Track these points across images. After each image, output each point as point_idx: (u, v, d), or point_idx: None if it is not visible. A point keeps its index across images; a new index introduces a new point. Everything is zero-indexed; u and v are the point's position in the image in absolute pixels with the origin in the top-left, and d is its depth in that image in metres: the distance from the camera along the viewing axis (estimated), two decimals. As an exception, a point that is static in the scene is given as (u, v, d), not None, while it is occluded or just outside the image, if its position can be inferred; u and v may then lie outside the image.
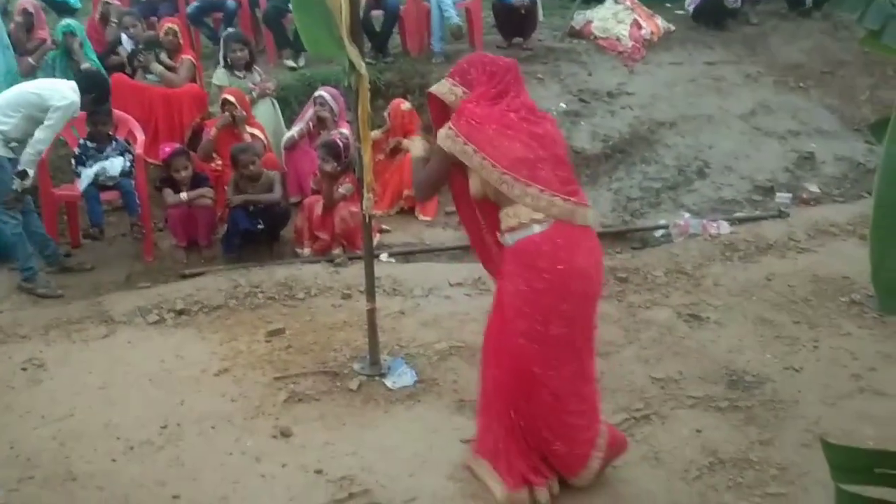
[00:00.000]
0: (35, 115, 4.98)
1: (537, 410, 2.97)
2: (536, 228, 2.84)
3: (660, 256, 5.44)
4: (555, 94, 7.51)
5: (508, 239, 2.95)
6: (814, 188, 6.70)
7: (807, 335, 4.42)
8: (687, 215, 6.11)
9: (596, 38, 8.39)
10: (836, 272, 5.11)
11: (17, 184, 4.94)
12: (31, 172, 4.98)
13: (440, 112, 3.16)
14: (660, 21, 8.70)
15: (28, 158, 4.95)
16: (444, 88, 3.09)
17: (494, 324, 3.07)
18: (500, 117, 2.92)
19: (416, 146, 3.38)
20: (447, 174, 3.16)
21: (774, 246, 5.54)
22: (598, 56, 8.19)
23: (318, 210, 5.77)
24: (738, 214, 6.26)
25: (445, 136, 2.98)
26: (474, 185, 3.03)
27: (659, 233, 6.03)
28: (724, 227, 5.79)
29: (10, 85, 5.96)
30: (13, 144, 5.02)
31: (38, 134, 4.95)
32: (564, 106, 7.36)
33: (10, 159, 5.00)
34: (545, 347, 2.88)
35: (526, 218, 2.86)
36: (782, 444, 3.45)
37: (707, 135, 7.27)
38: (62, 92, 5.03)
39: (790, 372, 4.04)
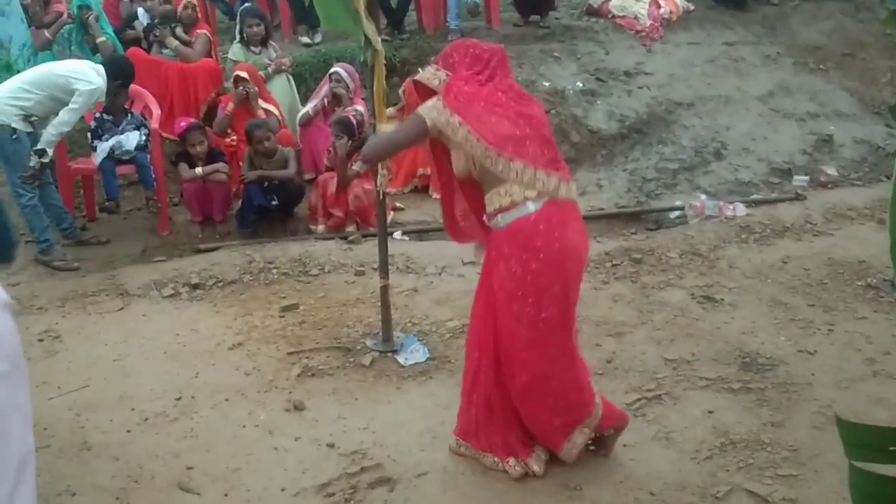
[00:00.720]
0: (59, 97, 5.00)
1: (520, 391, 2.98)
2: (531, 207, 2.81)
3: (675, 238, 5.41)
4: (571, 72, 7.45)
5: (500, 220, 2.89)
6: (832, 171, 6.63)
7: (821, 318, 4.39)
8: (703, 197, 6.07)
9: (614, 16, 8.31)
10: (852, 256, 5.08)
11: (34, 161, 4.97)
12: (49, 152, 5.01)
13: (426, 98, 3.07)
14: (679, 0, 8.60)
15: (48, 138, 4.98)
16: (429, 73, 3.08)
17: (479, 307, 3.06)
18: (489, 95, 2.89)
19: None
20: (409, 144, 3.25)
21: (791, 229, 5.50)
22: (615, 35, 8.11)
23: (332, 187, 5.77)
24: (754, 196, 6.22)
25: (432, 107, 2.90)
26: (458, 164, 3.01)
27: (674, 214, 6.00)
28: (741, 209, 5.75)
29: (27, 58, 5.99)
30: (34, 118, 5.04)
31: (62, 116, 4.97)
32: (581, 85, 7.30)
33: (28, 133, 5.02)
34: (534, 331, 2.87)
35: (520, 196, 2.81)
36: (794, 426, 3.44)
37: (725, 116, 7.21)
38: (88, 76, 5.03)
39: (804, 355, 4.02)
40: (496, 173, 2.84)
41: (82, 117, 5.30)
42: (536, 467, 3.08)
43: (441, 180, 3.37)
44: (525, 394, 2.99)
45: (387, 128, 3.37)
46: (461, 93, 2.88)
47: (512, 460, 3.09)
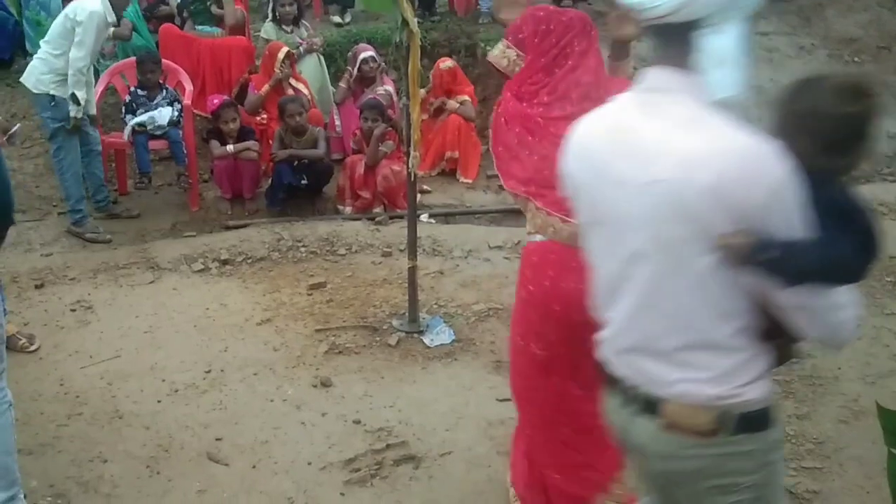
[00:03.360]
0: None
1: (531, 427, 2.70)
2: (537, 238, 2.53)
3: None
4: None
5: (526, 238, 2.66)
6: (863, 165, 6.55)
7: (849, 313, 4.35)
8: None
9: (647, 3, 8.22)
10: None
11: (73, 109, 5.00)
12: (80, 94, 4.99)
13: (505, 77, 2.72)
14: (713, -12, 8.49)
15: (72, 80, 4.98)
16: (497, 52, 2.66)
17: None
18: (525, 120, 2.50)
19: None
20: None
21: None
22: (648, 22, 8.03)
23: (361, 169, 5.80)
24: (784, 189, 6.15)
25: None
26: None
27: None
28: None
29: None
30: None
31: (73, 54, 4.96)
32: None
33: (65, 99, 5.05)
34: (524, 360, 2.60)
35: (531, 227, 2.55)
36: (819, 419, 3.43)
37: (757, 107, 7.12)
38: (83, 5, 4.99)
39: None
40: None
41: (116, 91, 5.33)
42: None
43: None
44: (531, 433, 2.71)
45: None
46: (506, 111, 2.58)
47: None
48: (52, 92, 4.99)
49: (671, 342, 1.64)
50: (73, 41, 4.97)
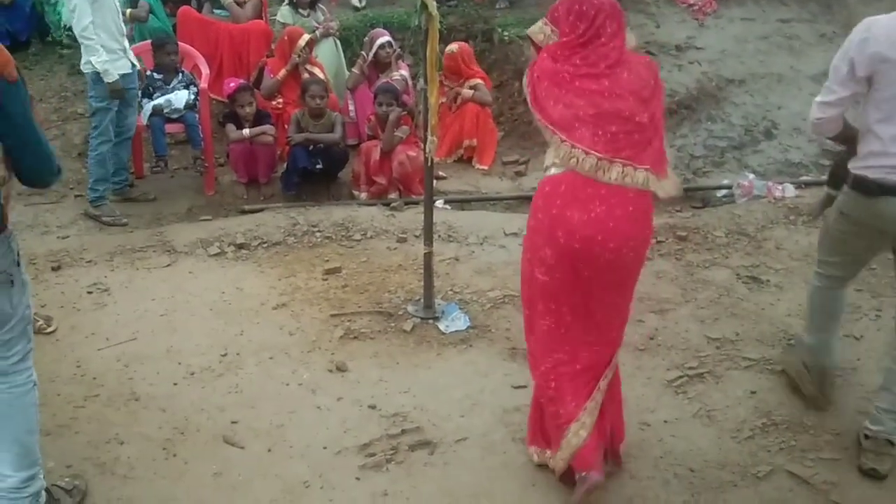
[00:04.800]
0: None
1: (531, 351, 2.95)
2: (552, 171, 2.79)
3: (721, 216, 5.34)
4: (620, 45, 7.33)
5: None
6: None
7: (869, 304, 4.32)
8: (751, 176, 5.97)
9: (666, -12, 8.15)
10: (903, 242, 4.96)
11: (107, 78, 5.00)
12: (93, 60, 4.96)
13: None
14: (734, -26, 8.40)
15: (83, 49, 4.99)
16: (537, 28, 2.91)
17: None
18: (554, 75, 2.73)
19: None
20: None
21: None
22: (666, 7, 7.96)
23: (376, 155, 5.78)
24: (804, 178, 6.10)
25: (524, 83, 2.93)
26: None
27: (721, 193, 5.91)
28: (790, 191, 5.65)
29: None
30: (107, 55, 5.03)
31: (74, 22, 5.00)
32: (630, 58, 7.18)
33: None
34: (531, 288, 2.85)
35: (549, 161, 2.82)
36: (838, 410, 3.40)
37: (777, 95, 7.06)
38: None
39: (850, 339, 3.96)
40: (548, 140, 2.83)
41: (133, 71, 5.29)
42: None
43: None
44: (532, 349, 2.95)
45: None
46: (539, 68, 2.79)
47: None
48: (96, 69, 4.97)
49: None
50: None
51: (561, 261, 2.71)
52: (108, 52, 5.00)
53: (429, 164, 3.95)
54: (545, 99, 2.74)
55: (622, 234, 2.66)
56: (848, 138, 3.22)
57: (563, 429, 2.79)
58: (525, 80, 2.88)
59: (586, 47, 2.70)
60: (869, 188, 3.01)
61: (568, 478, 2.84)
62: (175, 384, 3.51)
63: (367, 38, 6.57)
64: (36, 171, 2.37)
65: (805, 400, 3.43)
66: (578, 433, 2.76)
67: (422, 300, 4.16)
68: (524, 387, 3.37)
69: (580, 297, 2.76)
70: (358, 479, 2.94)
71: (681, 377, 3.61)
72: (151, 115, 5.61)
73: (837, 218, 3.23)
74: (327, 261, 4.69)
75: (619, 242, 2.66)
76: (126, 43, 5.21)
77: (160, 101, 5.64)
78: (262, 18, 6.92)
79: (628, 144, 2.66)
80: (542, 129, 2.79)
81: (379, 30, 6.60)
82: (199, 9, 6.81)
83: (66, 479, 2.80)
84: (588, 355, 2.82)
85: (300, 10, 6.70)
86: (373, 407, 3.35)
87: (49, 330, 3.89)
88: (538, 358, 2.88)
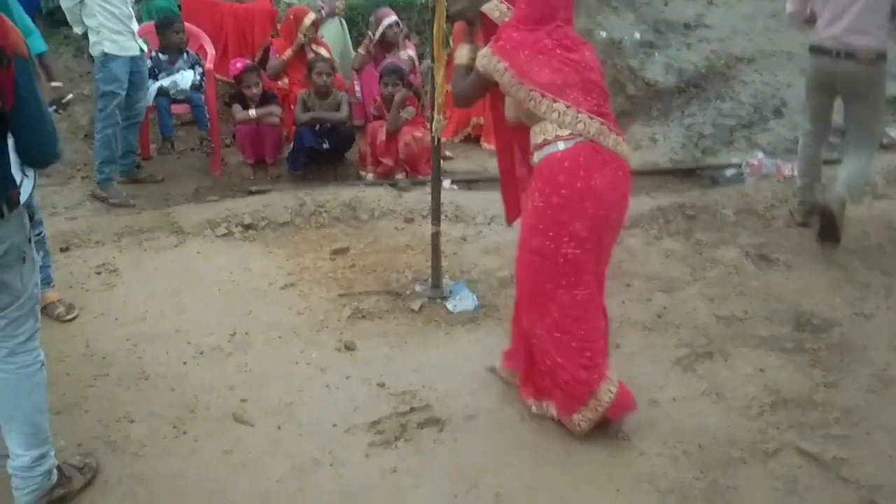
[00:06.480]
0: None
1: (548, 330, 2.97)
2: (561, 146, 2.83)
3: (730, 195, 5.31)
4: (629, 23, 7.28)
5: (536, 158, 2.94)
6: (894, 133, 6.41)
7: (879, 281, 4.30)
8: (761, 155, 5.93)
9: (675, -34, 8.06)
10: (913, 220, 4.95)
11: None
12: (76, 30, 5.05)
13: (491, 31, 3.13)
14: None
15: (90, 33, 5.04)
16: (492, 4, 3.08)
17: (518, 245, 3.10)
18: (534, 43, 2.88)
19: (461, 53, 3.28)
20: (484, 91, 3.18)
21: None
22: (675, -14, 7.88)
23: (382, 135, 5.76)
24: (813, 157, 6.04)
25: (482, 56, 3.00)
26: (508, 109, 3.10)
27: (730, 172, 5.86)
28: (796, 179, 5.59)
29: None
30: (115, 36, 5.03)
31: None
32: (639, 36, 7.13)
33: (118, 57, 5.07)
34: (555, 266, 2.88)
35: (552, 134, 2.84)
36: (847, 387, 3.39)
37: (786, 73, 6.98)
38: None
39: (860, 318, 3.95)
40: (538, 114, 2.88)
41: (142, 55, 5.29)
42: (554, 413, 3.11)
43: (498, 132, 3.45)
44: (543, 336, 2.99)
45: (460, 56, 3.26)
46: (509, 39, 2.92)
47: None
48: (106, 51, 4.98)
49: None
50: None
51: (592, 231, 2.84)
52: (115, 34, 4.98)
53: (436, 143, 3.93)
54: (528, 65, 2.86)
55: (625, 195, 2.95)
56: (811, 22, 4.67)
57: (592, 388, 2.94)
58: (487, 52, 2.96)
59: (543, 26, 2.90)
60: (813, 50, 4.60)
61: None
62: (184, 363, 3.52)
63: (373, 18, 6.52)
64: (37, 147, 2.35)
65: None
66: (609, 390, 2.96)
67: (429, 280, 4.15)
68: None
69: (597, 260, 2.95)
70: (367, 456, 2.94)
71: (689, 355, 3.61)
72: (157, 95, 5.60)
73: (806, 80, 4.82)
74: (335, 241, 4.69)
75: (624, 203, 2.96)
76: (134, 25, 5.18)
77: (166, 82, 5.62)
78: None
79: (605, 114, 2.89)
80: (529, 99, 2.86)
81: (385, 9, 6.55)
82: (204, -11, 6.76)
83: (78, 458, 2.81)
84: (600, 313, 3.05)
85: (305, -10, 6.67)
86: (381, 385, 3.35)
87: (68, 317, 3.84)
88: (567, 334, 2.93)
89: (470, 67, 3.17)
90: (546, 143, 2.86)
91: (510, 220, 3.56)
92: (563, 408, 3.04)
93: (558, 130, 2.83)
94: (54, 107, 4.48)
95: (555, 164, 2.83)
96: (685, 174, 5.92)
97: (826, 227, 4.38)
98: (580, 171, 2.79)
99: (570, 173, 2.80)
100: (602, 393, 2.95)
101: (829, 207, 4.34)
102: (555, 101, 2.83)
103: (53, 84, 4.55)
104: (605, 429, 3.03)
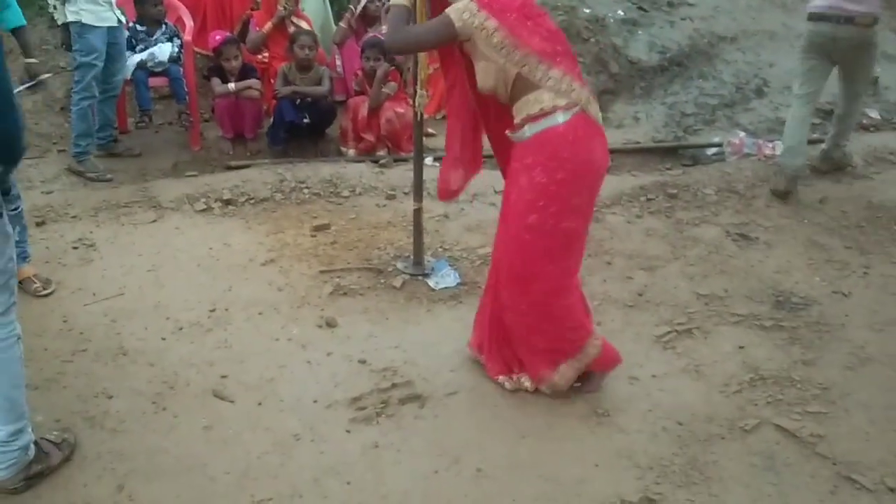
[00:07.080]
0: None
1: (533, 305, 2.98)
2: (560, 118, 2.77)
3: (711, 174, 5.33)
4: (613, 0, 7.24)
5: (527, 131, 2.83)
6: (874, 114, 6.46)
7: (857, 261, 4.34)
8: (742, 134, 5.95)
9: (659, -57, 8.02)
10: (891, 200, 4.99)
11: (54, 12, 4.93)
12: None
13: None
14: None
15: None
16: None
17: (500, 228, 3.07)
18: (520, 8, 2.83)
19: None
20: (438, 45, 3.03)
21: (829, 170, 5.39)
22: (659, -37, 7.84)
23: (364, 111, 5.71)
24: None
25: (464, 9, 2.79)
26: (485, 76, 2.85)
27: (712, 151, 5.89)
28: (780, 149, 5.62)
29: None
30: (93, 7, 4.92)
31: None
32: (622, 13, 7.10)
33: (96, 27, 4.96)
34: (552, 241, 2.86)
35: (549, 105, 2.77)
36: (826, 365, 3.43)
37: (768, 52, 7.00)
38: None
39: (838, 296, 3.99)
40: (532, 80, 2.79)
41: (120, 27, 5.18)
42: (528, 384, 3.16)
43: (454, 100, 3.26)
44: (528, 311, 2.99)
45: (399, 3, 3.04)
46: (489, 4, 2.80)
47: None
48: (84, 20, 4.86)
49: None
50: None
51: (590, 200, 2.94)
52: (93, 4, 4.88)
53: (418, 118, 3.90)
54: (517, 28, 2.79)
55: (608, 158, 2.97)
56: None
57: (580, 344, 3.06)
58: (472, 7, 2.78)
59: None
60: (813, 17, 4.92)
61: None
62: (163, 339, 3.48)
63: (354, -8, 6.45)
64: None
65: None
66: (595, 344, 3.07)
67: (411, 257, 4.14)
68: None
69: (587, 227, 3.02)
70: (348, 431, 2.94)
71: (669, 332, 3.62)
72: (135, 68, 5.50)
73: (802, 44, 5.07)
74: (315, 217, 4.65)
75: (607, 166, 2.97)
76: None
77: (143, 55, 5.52)
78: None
79: (584, 84, 2.89)
80: (524, 64, 2.77)
81: None
82: (183, -40, 6.63)
83: (55, 433, 2.78)
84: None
85: (286, -38, 6.54)
86: (363, 362, 3.34)
87: (44, 293, 3.79)
88: (556, 303, 2.98)
89: (409, 10, 3.06)
90: (543, 114, 2.78)
91: (443, 195, 3.48)
92: (544, 367, 3.06)
93: (556, 100, 2.77)
94: (31, 83, 4.40)
95: (558, 139, 2.78)
96: (667, 153, 5.93)
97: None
98: (582, 145, 2.80)
99: (573, 148, 2.78)
100: (589, 346, 3.06)
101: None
102: (551, 67, 2.79)
103: (29, 61, 4.44)
104: (586, 386, 3.16)
